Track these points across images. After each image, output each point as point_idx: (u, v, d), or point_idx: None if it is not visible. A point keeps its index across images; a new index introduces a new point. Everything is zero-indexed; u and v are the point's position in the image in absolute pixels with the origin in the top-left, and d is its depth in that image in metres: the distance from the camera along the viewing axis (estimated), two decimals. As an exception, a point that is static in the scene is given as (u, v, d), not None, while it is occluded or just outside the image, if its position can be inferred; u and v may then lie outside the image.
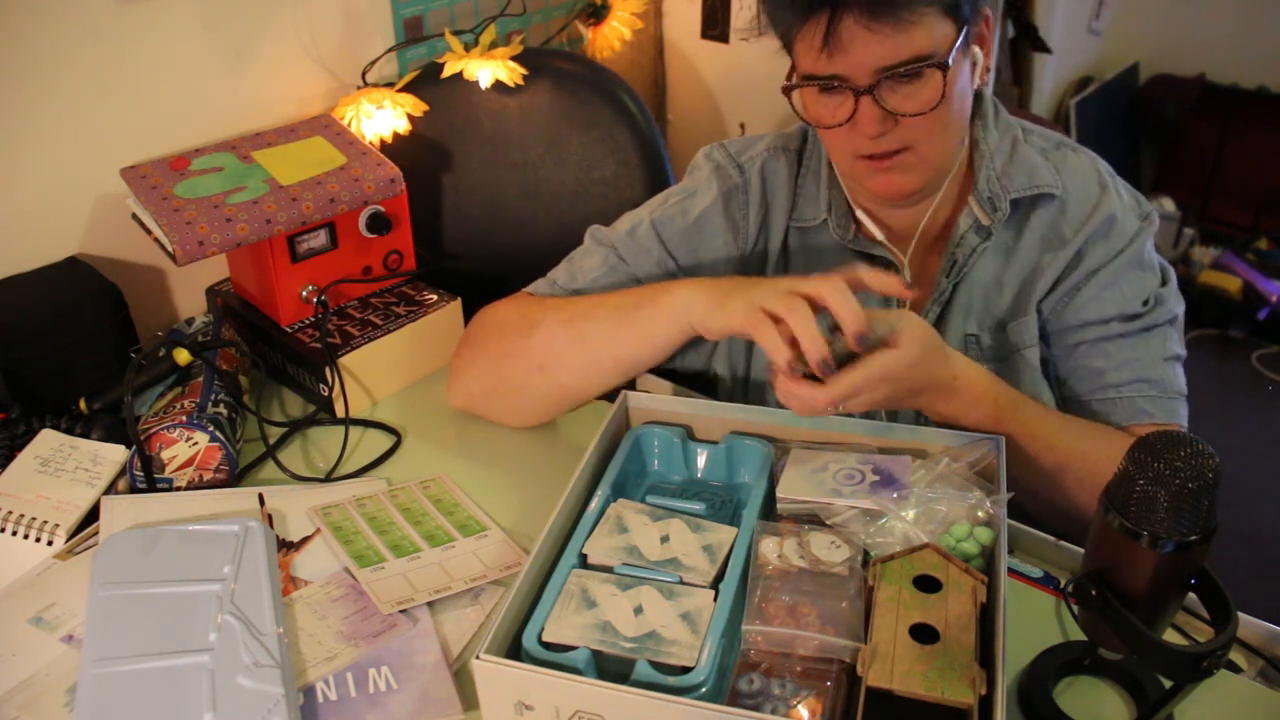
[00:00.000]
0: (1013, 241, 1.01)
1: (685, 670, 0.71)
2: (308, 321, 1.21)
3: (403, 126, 1.40)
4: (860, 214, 1.04)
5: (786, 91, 0.95)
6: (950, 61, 0.88)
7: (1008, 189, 0.99)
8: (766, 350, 0.84)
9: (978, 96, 1.01)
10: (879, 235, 1.03)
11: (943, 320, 1.04)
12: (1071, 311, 1.00)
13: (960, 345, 1.02)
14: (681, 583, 0.79)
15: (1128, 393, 0.97)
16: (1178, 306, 1.00)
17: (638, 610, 0.76)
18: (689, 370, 1.15)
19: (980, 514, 0.80)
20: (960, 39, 0.89)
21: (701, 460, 0.96)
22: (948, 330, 1.03)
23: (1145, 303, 0.98)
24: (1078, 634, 0.80)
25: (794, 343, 0.83)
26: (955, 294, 1.03)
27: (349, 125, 1.34)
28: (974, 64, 0.94)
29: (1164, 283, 1.00)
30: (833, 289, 0.83)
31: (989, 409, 0.91)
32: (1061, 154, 1.02)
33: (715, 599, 0.77)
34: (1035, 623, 0.85)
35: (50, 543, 0.93)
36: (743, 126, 2.04)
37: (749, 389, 1.12)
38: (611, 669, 0.73)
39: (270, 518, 0.98)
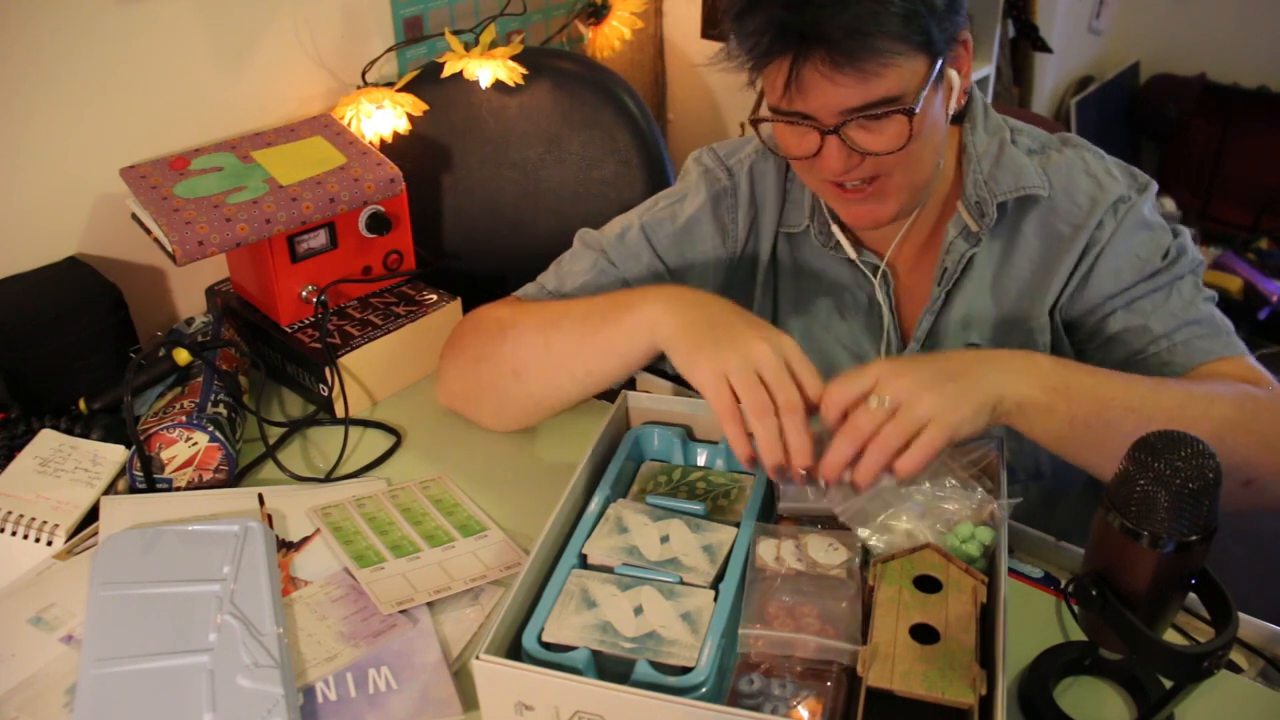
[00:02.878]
0: (1008, 245, 1.00)
1: (685, 670, 0.71)
2: (308, 321, 1.21)
3: (403, 126, 1.40)
4: (835, 228, 1.03)
5: (753, 123, 0.94)
6: (919, 102, 0.86)
7: (995, 193, 0.97)
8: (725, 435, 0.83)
9: (968, 99, 1.00)
10: (851, 253, 1.03)
11: (937, 331, 1.03)
12: (1090, 293, 0.97)
13: None
14: (681, 583, 0.79)
15: (1180, 337, 0.93)
16: (1197, 254, 0.97)
17: (638, 610, 0.76)
18: None
19: (985, 514, 0.80)
20: (933, 74, 0.87)
21: (701, 460, 0.96)
22: (945, 341, 1.02)
23: (1164, 256, 0.95)
24: (1078, 634, 0.80)
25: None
26: (950, 303, 1.02)
27: (349, 125, 1.34)
28: (950, 89, 0.92)
29: (1176, 235, 0.97)
30: (798, 359, 0.83)
31: (1053, 375, 0.82)
32: (1047, 155, 1.00)
33: (715, 599, 0.77)
34: (1035, 623, 0.85)
35: (50, 543, 0.93)
36: (743, 126, 2.04)
37: None
38: (611, 669, 0.73)
39: (270, 518, 0.98)
